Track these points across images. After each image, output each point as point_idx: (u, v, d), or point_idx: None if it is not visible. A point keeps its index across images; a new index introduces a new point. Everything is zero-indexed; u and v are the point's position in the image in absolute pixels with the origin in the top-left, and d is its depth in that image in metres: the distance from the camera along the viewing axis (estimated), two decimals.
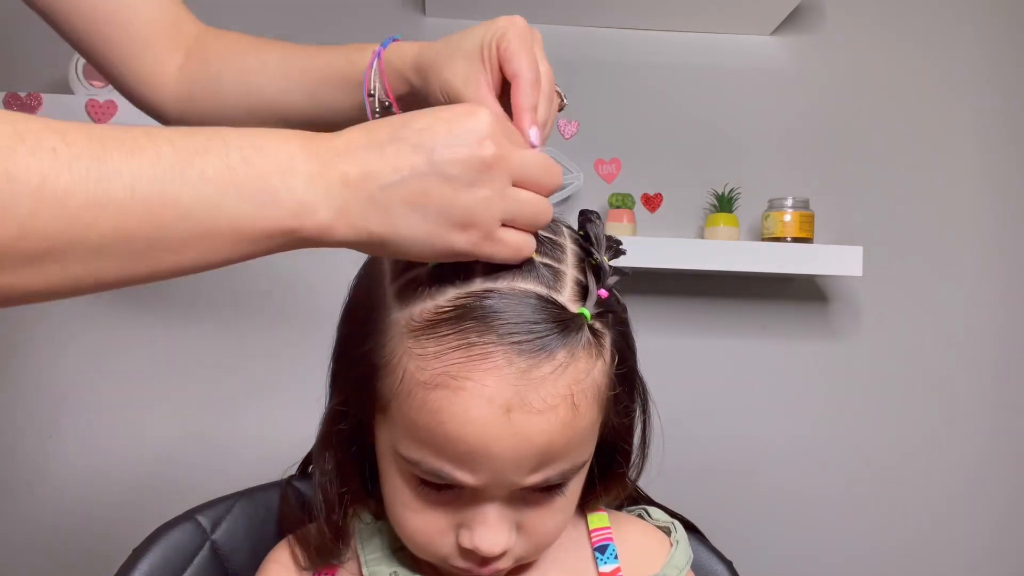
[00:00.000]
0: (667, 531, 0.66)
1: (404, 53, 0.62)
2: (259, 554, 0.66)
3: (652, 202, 1.45)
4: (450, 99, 0.57)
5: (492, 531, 0.52)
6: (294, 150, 0.44)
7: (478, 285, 0.50)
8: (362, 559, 0.61)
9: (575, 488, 0.57)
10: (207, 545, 0.69)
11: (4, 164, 0.36)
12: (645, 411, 0.60)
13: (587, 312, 0.51)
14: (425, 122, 0.46)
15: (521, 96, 0.53)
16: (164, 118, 0.72)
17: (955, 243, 1.51)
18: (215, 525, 0.70)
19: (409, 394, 0.50)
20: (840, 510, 1.46)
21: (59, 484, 1.33)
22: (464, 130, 0.45)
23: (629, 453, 0.61)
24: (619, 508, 0.69)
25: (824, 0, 1.51)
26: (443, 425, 0.49)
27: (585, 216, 0.58)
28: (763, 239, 1.38)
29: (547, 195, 0.50)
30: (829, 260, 1.34)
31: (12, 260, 0.38)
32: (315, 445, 0.60)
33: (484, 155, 0.45)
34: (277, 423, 1.30)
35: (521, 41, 0.54)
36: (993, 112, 1.52)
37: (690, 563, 0.64)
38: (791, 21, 1.48)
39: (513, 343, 0.48)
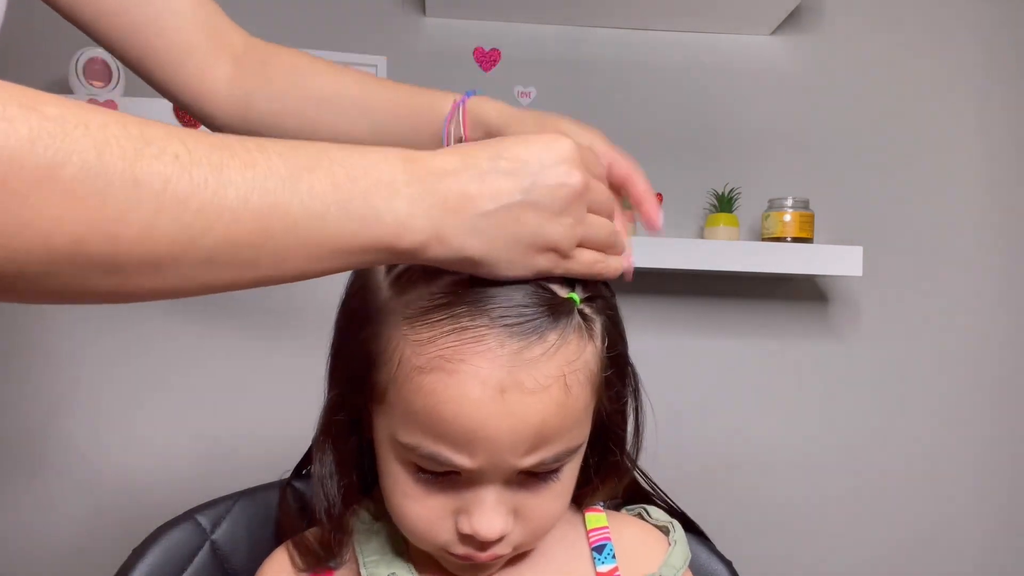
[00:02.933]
0: (665, 531, 0.66)
1: (486, 108, 0.68)
2: (259, 554, 0.66)
3: None
4: None
5: (490, 515, 0.53)
6: (396, 170, 0.46)
7: None
8: (360, 561, 0.61)
9: (570, 474, 0.57)
10: (207, 545, 0.69)
11: (131, 167, 0.37)
12: (637, 398, 0.61)
13: (576, 296, 0.53)
14: (518, 151, 0.49)
15: (641, 183, 0.63)
16: (211, 124, 0.74)
17: (955, 243, 1.51)
18: (215, 525, 0.70)
19: (406, 379, 0.52)
20: (839, 510, 1.47)
21: (59, 484, 1.33)
22: (555, 160, 0.49)
23: (623, 440, 0.62)
24: (618, 508, 0.69)
25: (824, 0, 1.51)
26: (439, 407, 0.50)
27: None
28: (763, 239, 1.38)
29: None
30: (829, 260, 1.34)
31: (130, 262, 0.38)
32: (315, 437, 0.61)
33: (573, 184, 0.49)
34: (277, 423, 1.30)
35: (614, 149, 0.64)
36: (993, 112, 1.52)
37: (687, 563, 0.64)
38: (791, 21, 1.48)
39: (505, 326, 0.50)
